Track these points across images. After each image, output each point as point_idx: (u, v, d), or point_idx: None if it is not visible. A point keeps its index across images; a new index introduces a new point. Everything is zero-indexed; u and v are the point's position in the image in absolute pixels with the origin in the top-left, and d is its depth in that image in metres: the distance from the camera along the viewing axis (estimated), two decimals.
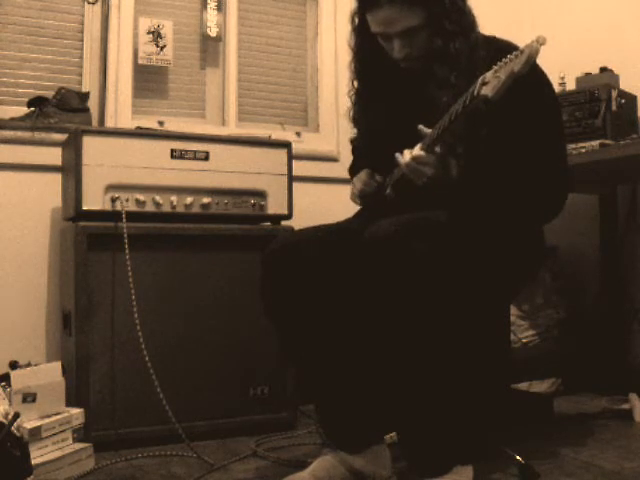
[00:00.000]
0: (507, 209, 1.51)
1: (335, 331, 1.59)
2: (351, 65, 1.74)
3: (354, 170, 1.90)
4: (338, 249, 1.60)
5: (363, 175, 1.79)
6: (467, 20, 1.55)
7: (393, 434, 1.77)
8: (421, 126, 1.46)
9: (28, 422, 1.72)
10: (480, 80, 1.31)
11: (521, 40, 1.61)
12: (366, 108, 1.74)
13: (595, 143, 2.18)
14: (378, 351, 1.49)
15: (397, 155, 1.51)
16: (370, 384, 1.58)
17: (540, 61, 1.59)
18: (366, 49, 1.68)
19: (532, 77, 1.40)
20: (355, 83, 1.76)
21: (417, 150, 1.46)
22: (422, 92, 1.62)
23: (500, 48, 1.51)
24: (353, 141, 1.96)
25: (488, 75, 1.29)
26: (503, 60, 1.28)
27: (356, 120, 1.79)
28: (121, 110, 2.62)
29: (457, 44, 1.51)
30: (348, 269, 1.53)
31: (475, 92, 1.31)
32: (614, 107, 2.30)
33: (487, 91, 1.28)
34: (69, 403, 1.91)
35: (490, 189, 1.49)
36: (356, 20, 1.66)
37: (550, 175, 1.53)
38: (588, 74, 2.48)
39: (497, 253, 1.52)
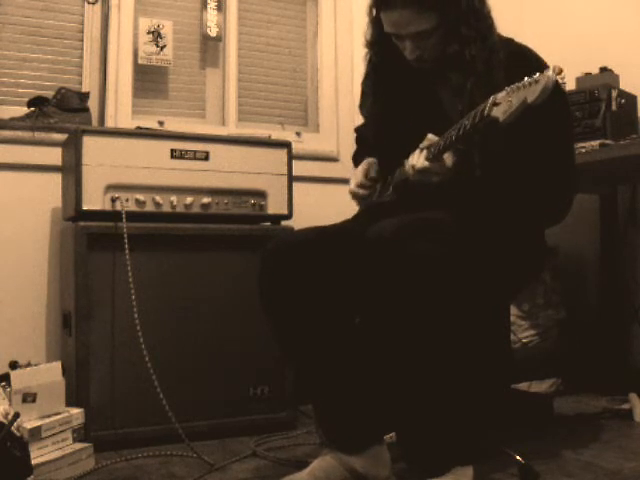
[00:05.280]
0: (515, 210, 1.51)
1: (333, 331, 1.58)
2: (366, 56, 1.73)
3: (357, 158, 1.90)
4: (337, 249, 1.60)
5: (359, 173, 1.77)
6: (485, 24, 1.53)
7: (393, 434, 1.77)
8: (430, 135, 1.47)
9: (28, 422, 1.72)
10: (491, 100, 1.30)
11: (522, 40, 1.62)
12: (377, 100, 1.73)
13: (595, 143, 2.18)
14: (377, 350, 1.49)
15: (406, 162, 1.51)
16: (369, 384, 1.58)
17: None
18: (381, 42, 1.66)
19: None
20: (369, 74, 1.75)
21: (422, 161, 1.46)
22: (433, 91, 1.62)
23: (513, 52, 1.51)
24: (358, 130, 1.95)
25: (500, 96, 1.28)
26: (516, 84, 1.26)
27: (365, 110, 1.78)
28: (121, 110, 2.62)
29: (473, 50, 1.49)
30: (347, 269, 1.53)
31: (485, 112, 1.30)
32: (614, 107, 2.30)
33: (498, 114, 1.27)
34: (69, 403, 1.91)
35: (499, 191, 1.49)
36: (373, 12, 1.64)
37: (559, 177, 1.53)
38: (588, 74, 2.48)
39: (499, 253, 1.52)
